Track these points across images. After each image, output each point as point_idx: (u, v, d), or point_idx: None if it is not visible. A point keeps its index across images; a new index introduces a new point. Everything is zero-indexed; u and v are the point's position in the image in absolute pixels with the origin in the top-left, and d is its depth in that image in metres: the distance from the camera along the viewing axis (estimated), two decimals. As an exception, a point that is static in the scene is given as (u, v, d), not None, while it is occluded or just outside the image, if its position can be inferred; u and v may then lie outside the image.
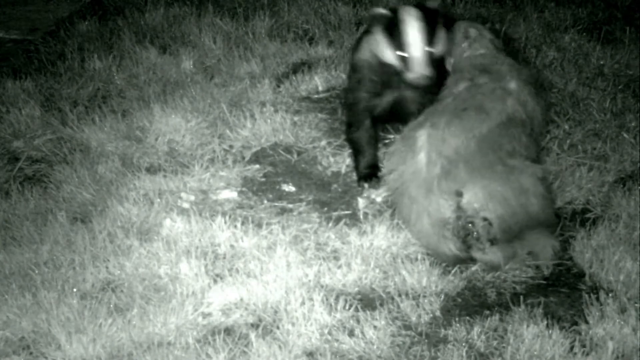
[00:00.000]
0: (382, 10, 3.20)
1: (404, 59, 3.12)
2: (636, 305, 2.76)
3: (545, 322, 2.69)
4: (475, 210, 2.87)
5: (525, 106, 2.99)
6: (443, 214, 2.89)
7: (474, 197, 2.86)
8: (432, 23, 3.15)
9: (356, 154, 3.47)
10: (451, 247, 2.92)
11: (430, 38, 3.12)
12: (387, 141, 3.61)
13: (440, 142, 2.89)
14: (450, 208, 2.88)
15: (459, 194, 2.87)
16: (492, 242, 2.90)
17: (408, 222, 3.01)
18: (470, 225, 2.88)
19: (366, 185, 3.40)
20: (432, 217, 2.91)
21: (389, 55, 3.17)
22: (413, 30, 3.10)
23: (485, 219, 2.87)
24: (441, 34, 3.19)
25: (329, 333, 2.69)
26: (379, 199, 3.35)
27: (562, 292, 2.90)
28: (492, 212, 2.86)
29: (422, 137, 2.92)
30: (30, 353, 2.66)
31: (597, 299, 2.78)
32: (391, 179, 3.03)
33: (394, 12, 3.18)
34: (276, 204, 3.35)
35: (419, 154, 2.91)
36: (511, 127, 2.94)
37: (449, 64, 3.19)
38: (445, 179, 2.87)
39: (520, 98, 2.99)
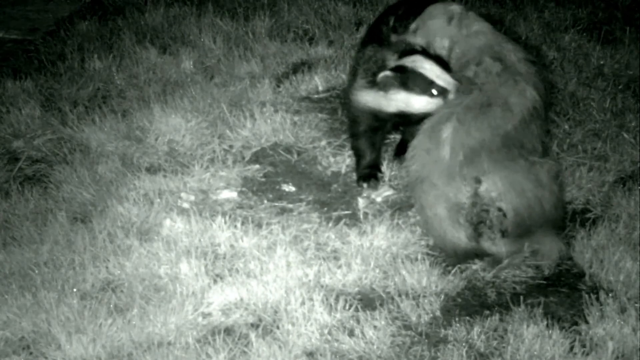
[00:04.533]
0: (387, 73, 3.15)
1: (436, 95, 3.10)
2: (636, 305, 2.76)
3: (545, 322, 2.69)
4: (492, 199, 2.88)
5: (537, 88, 2.98)
6: (460, 199, 2.89)
7: (492, 186, 2.87)
8: (435, 55, 3.16)
9: (357, 157, 3.48)
10: (461, 235, 2.92)
11: (446, 66, 3.13)
12: (387, 141, 3.61)
13: (465, 136, 2.89)
14: (467, 194, 2.88)
15: (478, 181, 2.87)
16: (503, 233, 2.90)
17: (424, 208, 2.99)
18: (484, 213, 2.88)
19: (365, 185, 3.40)
20: (450, 202, 2.90)
21: (420, 102, 3.13)
22: (431, 69, 3.09)
23: (500, 210, 2.87)
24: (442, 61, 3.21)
25: (329, 333, 2.69)
26: (379, 199, 3.35)
27: (562, 292, 2.90)
28: (508, 203, 2.87)
29: (448, 130, 2.91)
30: (30, 353, 2.66)
31: (597, 299, 2.78)
32: (412, 169, 3.02)
33: (399, 68, 3.15)
34: (276, 204, 3.35)
35: (444, 145, 2.91)
36: (532, 123, 2.94)
37: (441, 46, 3.15)
38: (467, 165, 2.88)
39: (532, 80, 2.98)
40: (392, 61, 3.20)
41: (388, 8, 3.63)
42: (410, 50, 3.18)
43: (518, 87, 2.95)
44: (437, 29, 3.14)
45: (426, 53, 3.16)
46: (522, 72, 2.98)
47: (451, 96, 3.05)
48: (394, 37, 3.31)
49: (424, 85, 3.09)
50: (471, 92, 2.97)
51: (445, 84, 3.07)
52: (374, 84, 3.21)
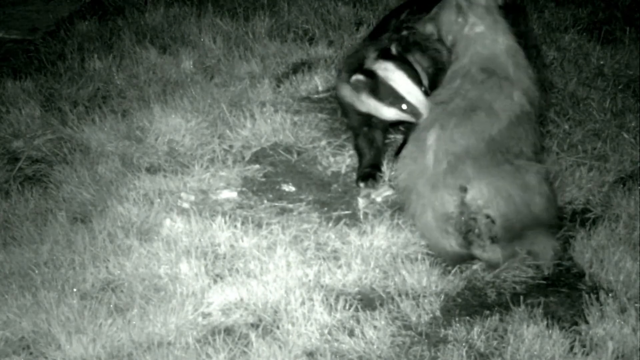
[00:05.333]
0: (359, 77, 3.17)
1: (406, 111, 3.13)
2: (636, 305, 2.76)
3: (545, 322, 2.69)
4: (479, 207, 2.87)
5: (528, 94, 2.98)
6: (447, 208, 2.89)
7: (478, 194, 2.87)
8: (408, 63, 3.17)
9: (359, 156, 3.49)
10: (452, 243, 2.92)
11: (418, 79, 3.14)
12: (387, 141, 3.60)
13: (449, 142, 2.89)
14: (454, 203, 2.88)
15: (464, 190, 2.87)
16: (493, 240, 2.90)
17: (413, 218, 3.01)
18: (472, 221, 2.88)
19: (362, 184, 3.40)
20: (436, 212, 2.91)
21: (389, 113, 3.19)
22: (403, 84, 3.12)
23: (487, 217, 2.87)
24: (421, 64, 3.22)
25: (329, 333, 2.69)
26: (379, 199, 3.35)
27: (562, 292, 2.90)
28: (495, 209, 2.86)
29: (431, 137, 2.92)
30: (30, 353, 2.66)
31: (597, 299, 2.78)
32: (401, 179, 3.03)
33: (370, 73, 3.16)
34: (276, 204, 3.35)
35: (428, 153, 2.91)
36: (519, 127, 2.93)
37: (446, 39, 3.15)
38: (451, 174, 2.88)
39: (522, 86, 2.98)
40: (371, 59, 3.21)
41: (406, 2, 3.61)
42: (385, 52, 3.18)
43: (504, 92, 2.94)
44: (445, 21, 3.12)
45: (401, 59, 3.17)
46: (511, 77, 2.97)
47: (423, 116, 3.08)
48: (383, 36, 3.30)
49: (394, 99, 3.13)
50: (453, 100, 2.96)
51: (416, 103, 3.09)
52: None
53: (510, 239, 2.91)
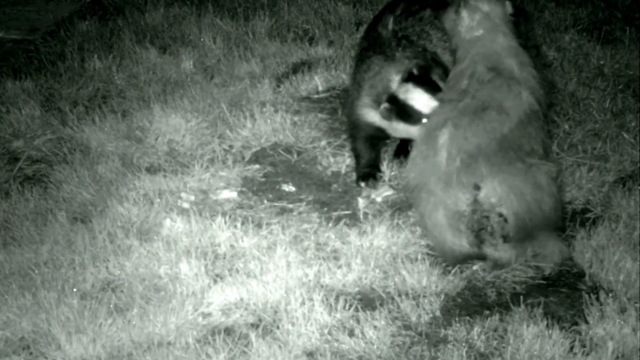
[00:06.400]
0: (386, 105, 3.19)
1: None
2: (636, 305, 2.76)
3: (545, 322, 2.69)
4: (492, 205, 2.87)
5: (534, 93, 2.98)
6: (459, 206, 2.89)
7: (491, 192, 2.86)
8: (430, 80, 3.18)
9: (356, 158, 3.49)
10: (463, 242, 2.91)
11: (434, 90, 3.15)
12: (388, 141, 3.61)
13: (462, 141, 2.88)
14: (467, 201, 2.88)
15: (477, 188, 2.87)
16: (505, 238, 2.90)
17: (423, 216, 3.00)
18: (485, 219, 2.88)
19: (363, 184, 3.40)
20: (449, 210, 2.90)
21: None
22: (421, 99, 3.14)
23: (500, 215, 2.87)
24: (437, 73, 3.23)
25: (329, 333, 2.69)
26: (379, 199, 3.35)
27: (562, 292, 2.90)
28: (508, 208, 2.86)
29: (444, 136, 2.91)
30: (30, 353, 2.66)
31: (597, 299, 2.78)
32: (411, 178, 3.03)
33: (393, 98, 3.18)
34: (276, 204, 3.35)
35: (440, 151, 2.91)
36: (529, 125, 2.93)
37: (453, 44, 3.16)
38: (464, 172, 2.87)
39: (528, 85, 2.98)
40: (395, 82, 3.22)
41: (385, 6, 3.60)
42: (409, 74, 3.20)
43: (513, 91, 2.94)
44: (449, 27, 3.13)
45: (420, 77, 3.18)
46: (517, 77, 2.96)
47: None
48: (397, 54, 3.30)
49: (417, 116, 3.14)
50: (462, 99, 2.96)
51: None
52: (379, 104, 3.23)
53: (521, 238, 2.91)
